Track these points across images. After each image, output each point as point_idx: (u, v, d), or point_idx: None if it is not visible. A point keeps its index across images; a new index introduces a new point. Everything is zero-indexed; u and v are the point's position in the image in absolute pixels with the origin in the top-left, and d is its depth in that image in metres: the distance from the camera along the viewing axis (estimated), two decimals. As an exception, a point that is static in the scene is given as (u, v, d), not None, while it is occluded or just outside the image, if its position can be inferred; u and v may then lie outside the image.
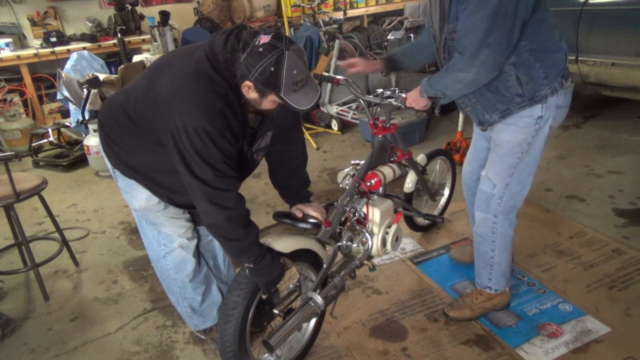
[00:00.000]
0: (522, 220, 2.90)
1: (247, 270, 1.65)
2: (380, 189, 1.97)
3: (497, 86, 1.72)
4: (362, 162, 1.98)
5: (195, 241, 1.95)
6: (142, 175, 1.75)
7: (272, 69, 1.39)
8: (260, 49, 1.40)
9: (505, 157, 1.83)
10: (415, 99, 1.86)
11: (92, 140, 4.06)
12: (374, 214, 1.93)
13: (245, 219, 1.59)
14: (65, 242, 2.85)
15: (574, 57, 3.95)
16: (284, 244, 1.73)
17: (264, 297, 1.75)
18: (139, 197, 1.78)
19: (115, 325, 2.35)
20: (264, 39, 1.41)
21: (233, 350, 1.70)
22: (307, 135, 4.53)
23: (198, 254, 1.99)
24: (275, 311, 1.82)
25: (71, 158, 4.51)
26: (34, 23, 5.65)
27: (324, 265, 1.87)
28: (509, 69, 1.66)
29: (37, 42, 5.48)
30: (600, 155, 3.69)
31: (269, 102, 1.51)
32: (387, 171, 1.99)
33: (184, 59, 1.55)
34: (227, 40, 1.47)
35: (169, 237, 1.88)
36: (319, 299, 1.82)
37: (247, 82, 1.45)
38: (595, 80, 3.92)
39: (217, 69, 1.48)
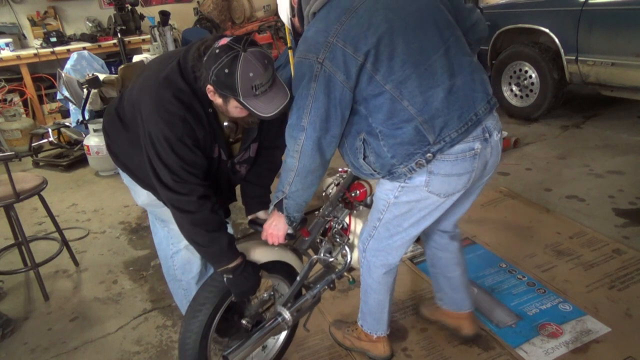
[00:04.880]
0: (522, 220, 2.91)
1: (224, 278, 1.60)
2: (368, 199, 1.86)
3: (353, 164, 1.57)
4: (349, 170, 1.87)
5: None
6: (135, 176, 1.76)
7: (227, 70, 1.35)
8: (217, 51, 1.37)
9: (376, 200, 1.64)
10: (275, 226, 1.64)
11: (92, 140, 4.06)
12: (357, 225, 1.85)
13: (211, 224, 1.55)
14: (65, 242, 2.85)
15: (574, 57, 3.95)
16: (259, 254, 1.68)
17: (235, 300, 1.71)
18: (141, 193, 1.80)
19: (115, 325, 2.35)
20: (224, 41, 1.39)
21: (193, 349, 1.62)
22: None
23: None
24: (244, 321, 1.75)
25: (71, 158, 4.51)
26: (34, 23, 5.66)
27: (297, 279, 1.78)
28: (359, 146, 1.49)
29: (37, 42, 5.48)
30: (600, 155, 3.69)
31: (234, 109, 1.47)
32: (374, 181, 1.93)
33: (160, 64, 1.56)
34: (199, 46, 1.47)
35: (177, 236, 1.88)
36: (287, 314, 1.74)
37: (209, 86, 1.44)
38: (595, 80, 3.92)
39: (185, 77, 1.48)
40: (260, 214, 1.82)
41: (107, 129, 1.78)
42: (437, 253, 1.91)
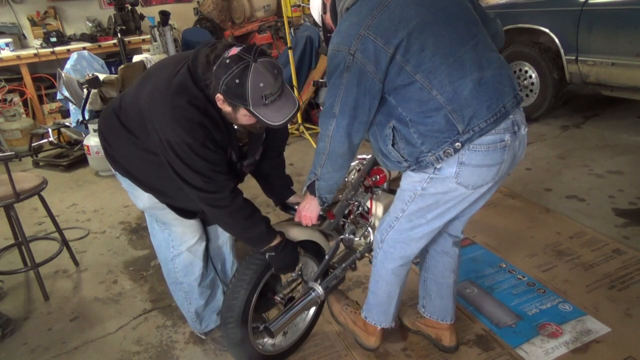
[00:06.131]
0: (522, 220, 2.92)
1: (267, 256, 1.71)
2: (385, 185, 2.00)
3: (381, 150, 1.60)
4: (368, 157, 2.01)
5: (203, 244, 1.95)
6: (137, 180, 1.76)
7: (237, 81, 1.38)
8: (227, 61, 1.39)
9: (402, 191, 1.66)
10: (308, 208, 1.75)
11: (92, 140, 4.06)
12: (377, 208, 1.96)
13: (246, 211, 1.63)
14: (65, 242, 2.85)
15: (574, 57, 3.95)
16: (295, 233, 1.81)
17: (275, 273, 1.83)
18: (141, 197, 1.79)
19: (115, 325, 2.35)
20: (234, 50, 1.41)
21: (236, 316, 1.75)
22: (307, 135, 4.53)
23: (206, 257, 2.00)
24: (277, 298, 1.89)
25: (71, 158, 4.51)
26: (34, 23, 5.66)
27: (326, 257, 1.92)
28: (389, 133, 1.54)
29: (37, 42, 5.48)
30: (600, 155, 3.69)
31: (243, 117, 1.49)
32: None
33: (169, 69, 1.57)
34: (208, 53, 1.48)
35: (179, 239, 1.89)
36: (319, 289, 1.89)
37: (218, 95, 1.45)
38: (595, 80, 3.92)
39: (196, 83, 1.49)
40: (291, 199, 1.93)
41: (105, 133, 1.76)
42: (435, 256, 1.90)
